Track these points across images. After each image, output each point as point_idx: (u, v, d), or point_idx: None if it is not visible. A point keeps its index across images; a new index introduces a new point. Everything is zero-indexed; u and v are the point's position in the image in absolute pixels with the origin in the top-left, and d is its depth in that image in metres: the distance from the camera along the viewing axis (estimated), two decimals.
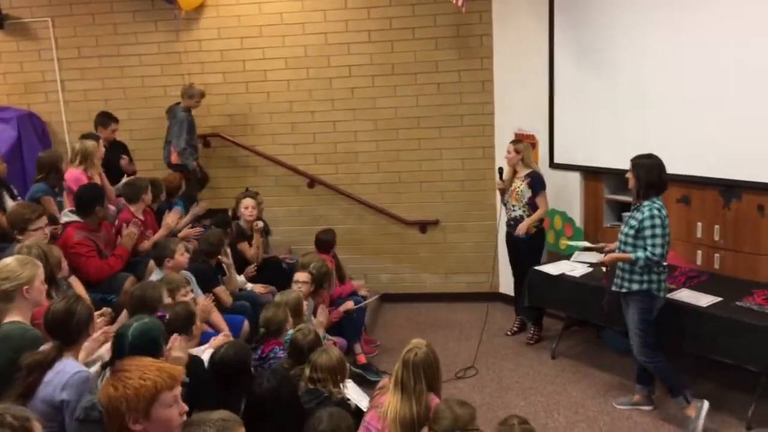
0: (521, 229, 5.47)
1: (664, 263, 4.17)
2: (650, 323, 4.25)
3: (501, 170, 5.67)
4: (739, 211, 4.80)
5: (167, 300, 3.72)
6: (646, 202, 4.12)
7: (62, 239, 4.45)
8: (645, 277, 4.17)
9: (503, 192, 5.64)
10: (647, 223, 4.08)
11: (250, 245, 5.51)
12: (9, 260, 3.20)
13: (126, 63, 6.63)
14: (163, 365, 2.31)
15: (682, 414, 4.27)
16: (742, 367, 4.31)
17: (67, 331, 2.97)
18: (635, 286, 4.20)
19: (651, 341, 4.26)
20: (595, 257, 5.03)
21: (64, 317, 2.96)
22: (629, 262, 4.16)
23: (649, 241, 4.08)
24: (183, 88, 6.12)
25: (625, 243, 4.21)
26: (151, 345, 2.80)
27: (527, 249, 5.55)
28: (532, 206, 5.48)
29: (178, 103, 6.12)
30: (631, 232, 4.16)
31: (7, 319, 3.10)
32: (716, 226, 4.93)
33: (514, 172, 5.55)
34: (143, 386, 2.18)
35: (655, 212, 4.07)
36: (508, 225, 5.63)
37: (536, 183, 5.48)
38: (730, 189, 4.81)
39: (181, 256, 4.41)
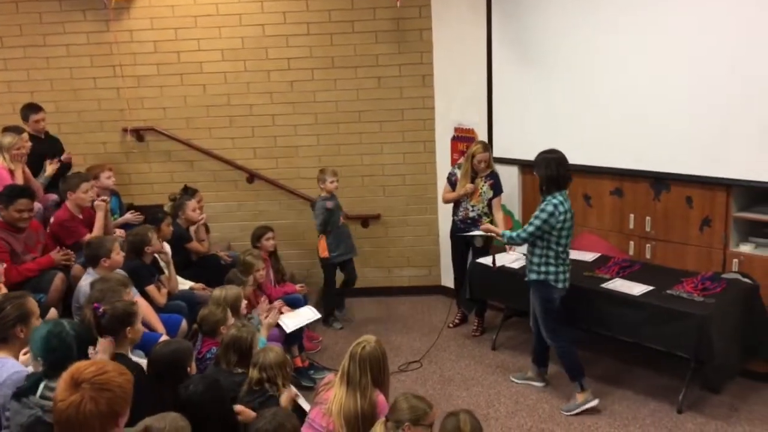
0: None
1: (564, 256, 4.34)
2: (551, 311, 4.45)
3: (453, 179, 5.57)
4: (668, 203, 4.98)
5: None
6: (548, 197, 4.27)
7: None
8: (542, 269, 4.36)
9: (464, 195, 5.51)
10: (537, 212, 4.30)
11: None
12: None
13: (53, 53, 6.34)
14: (127, 375, 2.14)
15: (573, 394, 4.56)
16: (673, 354, 4.49)
17: None
18: (533, 276, 4.42)
19: (552, 326, 4.48)
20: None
21: None
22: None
23: (527, 226, 4.34)
24: (318, 176, 5.83)
25: None
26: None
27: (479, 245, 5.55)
28: (488, 206, 5.51)
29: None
30: None
31: None
32: (647, 218, 5.10)
33: (474, 174, 5.47)
34: (123, 401, 2.05)
35: (549, 208, 4.22)
36: (463, 223, 5.58)
37: (498, 185, 5.50)
38: (660, 181, 4.98)
39: (117, 255, 4.28)
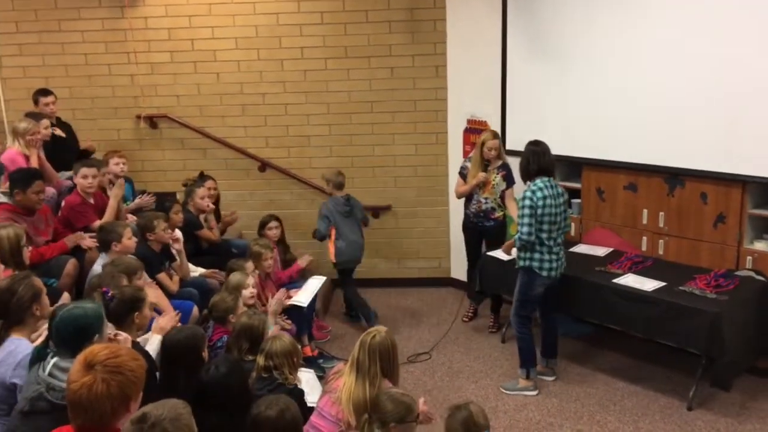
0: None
1: (550, 243, 4.40)
2: (529, 299, 4.56)
3: (465, 172, 5.49)
4: (682, 199, 4.94)
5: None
6: (530, 184, 4.42)
7: None
8: (528, 255, 4.47)
9: (477, 186, 5.41)
10: (520, 204, 4.41)
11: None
12: None
13: (67, 39, 6.35)
14: (141, 361, 2.16)
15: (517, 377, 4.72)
16: (684, 350, 4.46)
17: (6, 309, 2.92)
18: (521, 263, 4.53)
19: (523, 314, 4.61)
20: None
21: (4, 296, 2.94)
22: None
23: (518, 221, 4.44)
24: (328, 179, 5.63)
25: None
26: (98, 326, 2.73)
27: (493, 236, 5.50)
28: (501, 198, 5.44)
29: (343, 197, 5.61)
30: None
31: None
32: (661, 213, 5.06)
33: (486, 164, 5.37)
34: (135, 385, 2.07)
35: (528, 194, 4.36)
36: (475, 216, 5.51)
37: (511, 175, 5.40)
38: (674, 177, 4.94)
39: (129, 240, 4.29)
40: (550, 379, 4.80)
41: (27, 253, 3.90)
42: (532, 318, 4.66)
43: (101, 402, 1.98)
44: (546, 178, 4.41)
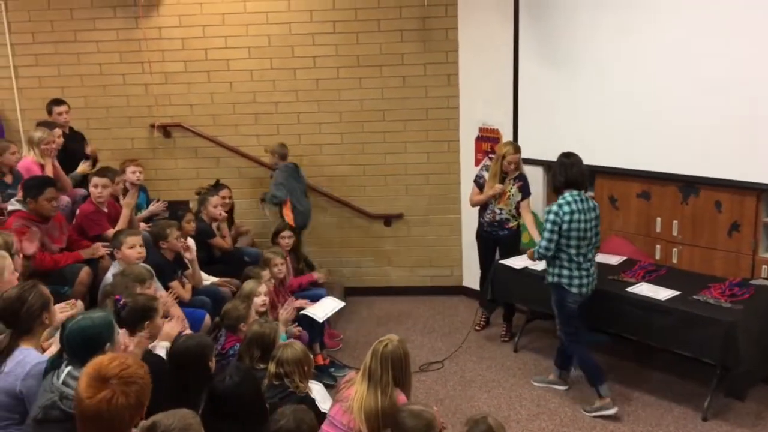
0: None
1: (579, 259, 4.28)
2: (566, 315, 4.43)
3: (481, 181, 5.47)
4: (696, 207, 4.90)
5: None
6: (559, 197, 4.31)
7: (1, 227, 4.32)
8: (556, 271, 4.37)
9: (493, 197, 5.39)
10: (545, 216, 4.31)
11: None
12: None
13: (83, 50, 6.43)
14: (145, 366, 2.19)
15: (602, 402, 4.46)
16: (699, 360, 4.42)
17: (17, 318, 2.91)
18: (549, 278, 4.43)
19: (568, 330, 4.47)
20: None
21: (14, 305, 2.92)
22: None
23: (540, 240, 4.34)
24: (273, 150, 6.07)
25: None
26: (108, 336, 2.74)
27: (507, 245, 5.49)
28: (516, 209, 5.42)
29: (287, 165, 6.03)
30: None
31: None
32: (675, 221, 5.02)
33: (502, 176, 5.35)
34: (148, 391, 2.10)
35: (554, 207, 4.24)
36: (490, 226, 5.50)
37: (527, 187, 5.39)
38: (688, 185, 4.91)
39: (129, 250, 4.24)
40: (563, 389, 4.77)
41: (19, 260, 3.89)
42: (580, 333, 4.49)
43: (121, 413, 2.01)
44: (576, 192, 4.28)
